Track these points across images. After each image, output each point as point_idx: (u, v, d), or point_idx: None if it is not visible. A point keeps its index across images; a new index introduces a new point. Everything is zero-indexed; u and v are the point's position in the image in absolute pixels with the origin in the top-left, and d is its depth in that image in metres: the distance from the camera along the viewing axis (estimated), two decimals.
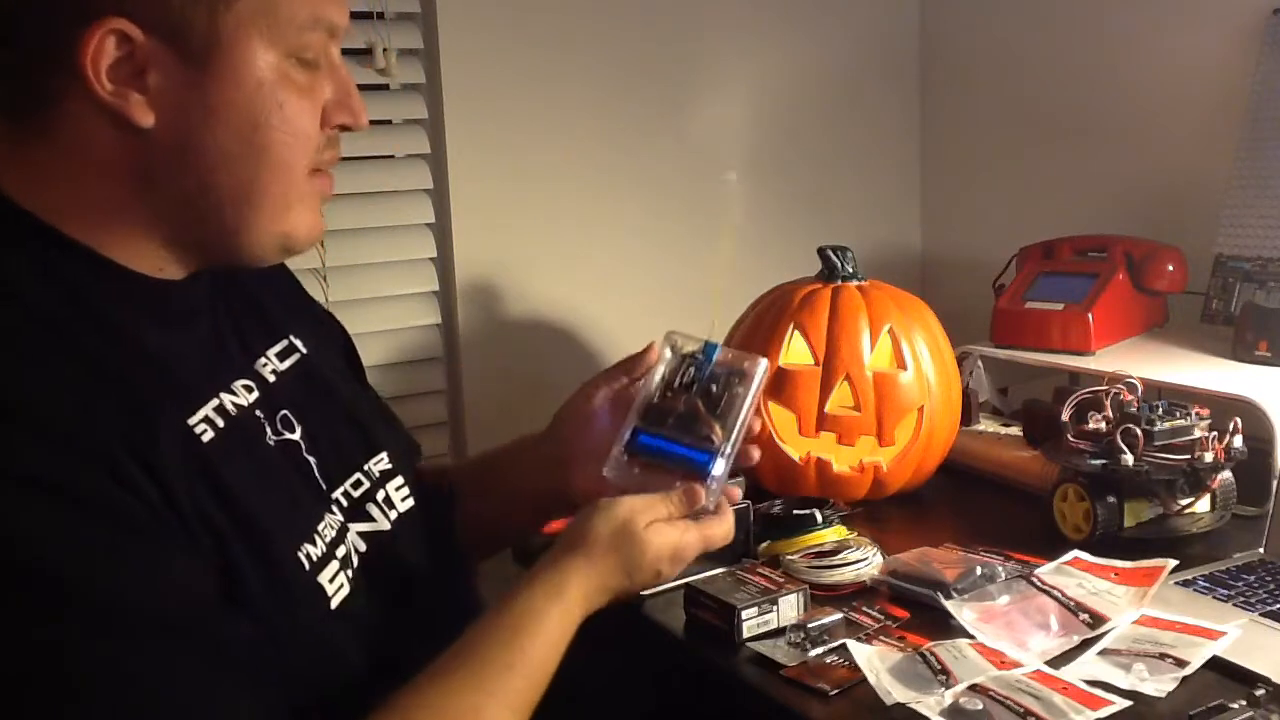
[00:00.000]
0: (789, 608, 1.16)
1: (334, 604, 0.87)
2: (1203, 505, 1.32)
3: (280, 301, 1.03)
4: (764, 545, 1.34)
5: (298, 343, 1.01)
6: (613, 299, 1.88)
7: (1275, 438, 1.34)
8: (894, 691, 1.01)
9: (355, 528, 0.96)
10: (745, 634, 1.14)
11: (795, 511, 1.36)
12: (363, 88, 1.76)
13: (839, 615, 1.15)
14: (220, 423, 0.85)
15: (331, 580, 0.88)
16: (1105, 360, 1.56)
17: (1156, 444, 1.29)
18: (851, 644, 1.10)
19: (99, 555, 0.72)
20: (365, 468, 1.01)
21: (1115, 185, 1.84)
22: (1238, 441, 1.30)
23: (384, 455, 1.03)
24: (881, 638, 1.12)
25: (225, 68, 0.81)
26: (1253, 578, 1.20)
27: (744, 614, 1.14)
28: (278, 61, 0.83)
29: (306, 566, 0.85)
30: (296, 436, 0.94)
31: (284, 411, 0.94)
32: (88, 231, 0.82)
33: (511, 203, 1.79)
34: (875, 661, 1.07)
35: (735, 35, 1.96)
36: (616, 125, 1.86)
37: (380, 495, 1.01)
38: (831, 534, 1.34)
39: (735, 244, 1.94)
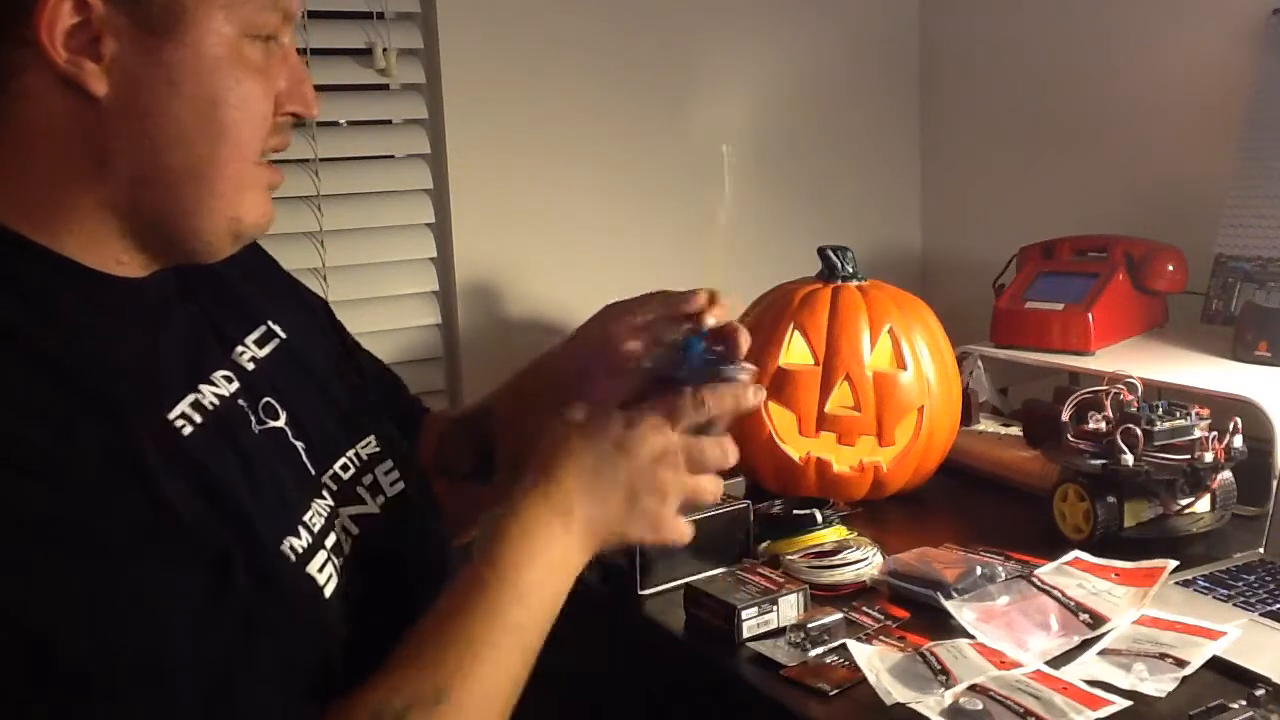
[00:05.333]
0: (789, 608, 1.16)
1: (327, 593, 0.86)
2: (1203, 505, 1.32)
3: (256, 285, 1.01)
4: (764, 545, 1.34)
5: (276, 328, 0.99)
6: (613, 298, 1.87)
7: (1275, 438, 1.34)
8: (894, 691, 1.01)
9: (346, 511, 0.95)
10: (745, 634, 1.14)
11: (795, 511, 1.36)
12: (363, 88, 1.78)
13: (839, 615, 1.15)
14: (198, 418, 0.83)
15: (320, 570, 0.86)
16: (1105, 360, 1.56)
17: (1156, 444, 1.29)
18: (851, 644, 1.10)
19: (88, 599, 0.71)
20: (352, 451, 0.99)
21: (1115, 185, 1.84)
22: (1238, 441, 1.30)
23: (370, 439, 1.02)
24: (881, 638, 1.12)
25: (185, 39, 0.80)
26: (1253, 578, 1.20)
27: (744, 614, 1.14)
28: (235, 38, 0.82)
29: (293, 558, 0.84)
30: (281, 423, 0.93)
31: (267, 399, 0.92)
32: (43, 227, 0.81)
33: (511, 203, 1.79)
34: (875, 661, 1.07)
35: (735, 35, 1.96)
36: (617, 125, 1.86)
37: (368, 479, 0.99)
38: (831, 534, 1.34)
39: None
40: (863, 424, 1.48)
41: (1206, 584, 1.19)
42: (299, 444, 0.93)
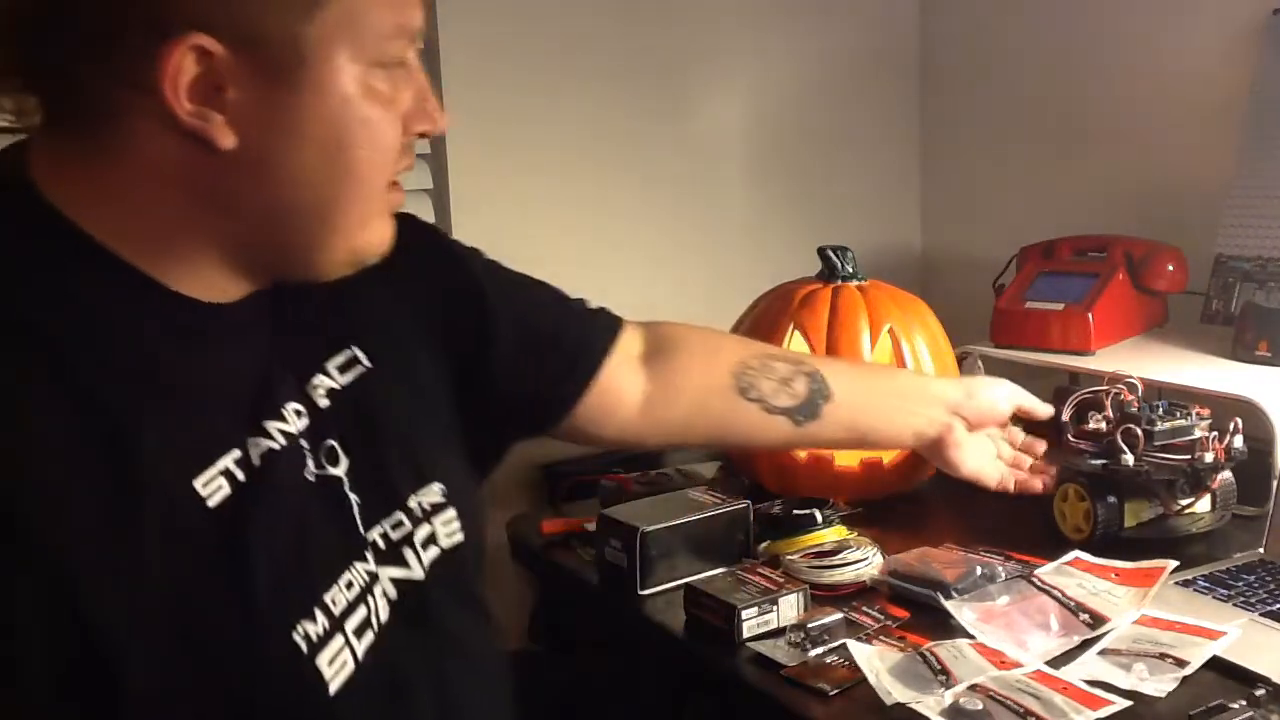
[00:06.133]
0: (789, 608, 1.16)
1: (333, 688, 0.80)
2: (1203, 505, 1.32)
3: (365, 289, 0.91)
4: (764, 545, 1.34)
5: (362, 355, 0.93)
6: (613, 298, 1.87)
7: (1275, 438, 1.34)
8: (894, 691, 1.01)
9: (387, 573, 0.89)
10: (745, 634, 1.14)
11: (795, 511, 1.36)
12: None
13: (839, 615, 1.15)
14: (241, 476, 0.78)
15: (333, 660, 0.80)
16: (1105, 360, 1.56)
17: (1157, 444, 1.28)
18: (851, 644, 1.10)
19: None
20: (410, 503, 0.92)
21: (1115, 185, 1.84)
22: (1238, 441, 1.29)
23: (435, 487, 0.94)
24: (881, 638, 1.12)
25: (310, 82, 0.76)
26: (1253, 578, 1.20)
27: (744, 614, 1.14)
28: (362, 74, 0.78)
29: (304, 649, 0.78)
30: (340, 471, 0.87)
31: (331, 442, 0.87)
32: (142, 252, 0.77)
33: (511, 202, 1.79)
34: (875, 661, 1.07)
35: (735, 35, 1.96)
36: (617, 125, 1.86)
37: (421, 534, 0.92)
38: (831, 534, 1.34)
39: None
40: None
41: (1206, 584, 1.19)
42: (353, 496, 0.88)
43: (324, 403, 0.88)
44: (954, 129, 2.12)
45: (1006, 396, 1.34)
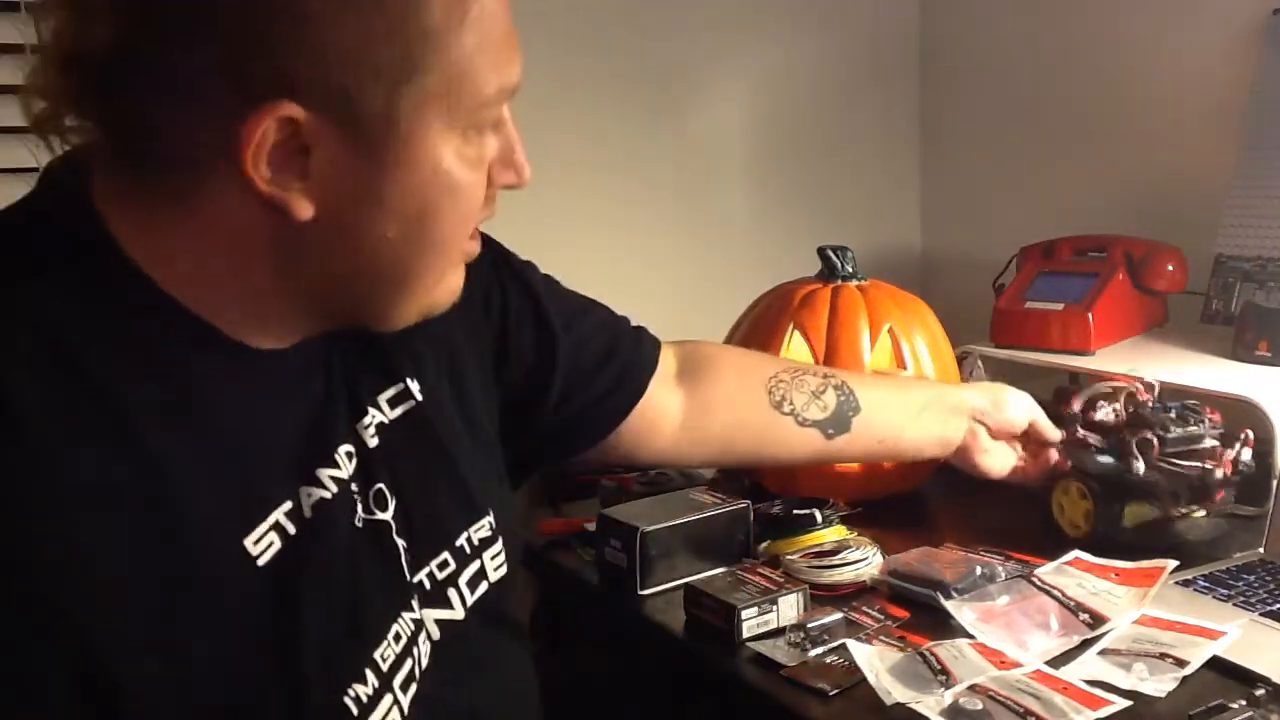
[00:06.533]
0: (789, 608, 1.16)
1: None
2: (1201, 511, 1.31)
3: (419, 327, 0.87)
4: (764, 545, 1.34)
5: (414, 386, 0.90)
6: (613, 299, 1.87)
7: (1275, 438, 1.34)
8: (894, 691, 1.01)
9: (432, 615, 0.87)
10: (745, 634, 1.14)
11: (795, 511, 1.36)
12: None
13: (839, 615, 1.15)
14: (292, 529, 0.76)
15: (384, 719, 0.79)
16: (1105, 360, 1.56)
17: (1169, 451, 1.27)
18: (851, 644, 1.10)
19: None
20: (459, 542, 0.90)
21: (1115, 185, 1.84)
22: (1246, 455, 1.28)
23: (486, 521, 0.93)
24: (881, 638, 1.12)
25: (399, 153, 0.72)
26: (1253, 578, 1.20)
27: (744, 614, 1.14)
28: (456, 140, 0.75)
29: (355, 712, 0.76)
30: (389, 515, 0.84)
31: (379, 485, 0.84)
32: (204, 300, 0.74)
33: (511, 203, 1.78)
34: (875, 661, 1.07)
35: (735, 35, 1.96)
36: (617, 125, 1.86)
37: (467, 574, 0.90)
38: (831, 534, 1.34)
39: None
40: None
41: (1206, 584, 1.19)
42: (400, 542, 0.85)
43: (373, 442, 0.85)
44: (954, 129, 2.12)
45: (1026, 411, 1.36)
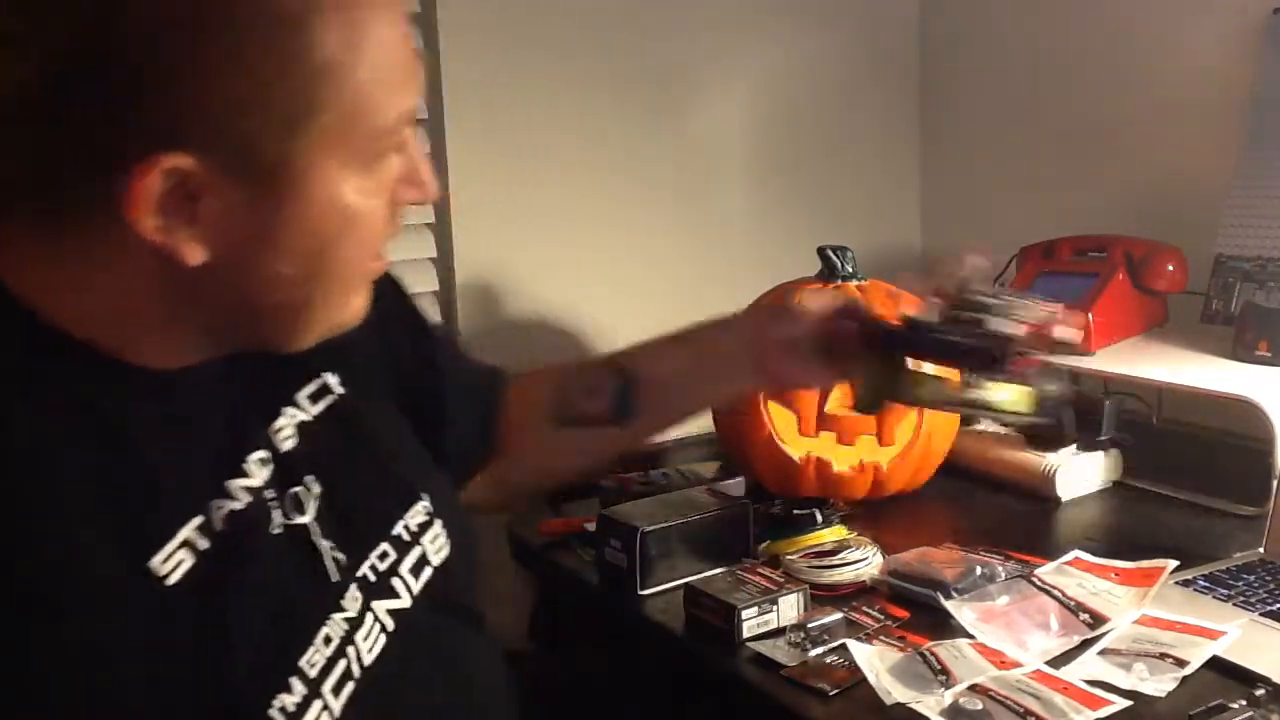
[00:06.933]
0: (789, 608, 1.16)
1: None
2: (1006, 395, 1.06)
3: None
4: (764, 545, 1.34)
5: (332, 380, 0.90)
6: (613, 299, 1.88)
7: (1275, 438, 1.34)
8: (894, 691, 1.01)
9: (383, 606, 0.86)
10: (745, 634, 1.14)
11: (795, 511, 1.36)
12: None
13: (839, 615, 1.15)
14: (204, 544, 0.74)
15: None
16: (1105, 360, 1.56)
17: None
18: (851, 644, 1.10)
19: None
20: (396, 531, 0.89)
21: (1115, 185, 1.84)
22: (1070, 336, 1.08)
23: (421, 504, 0.92)
24: (881, 638, 1.12)
25: (294, 193, 0.71)
26: (1253, 578, 1.20)
27: (744, 614, 1.14)
28: (356, 174, 0.73)
29: None
30: (308, 518, 0.83)
31: (296, 489, 0.83)
32: (102, 332, 0.74)
33: (511, 203, 1.79)
34: (875, 661, 1.07)
35: (735, 35, 1.96)
36: (616, 125, 1.86)
37: (409, 561, 0.89)
38: (831, 534, 1.34)
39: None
40: (862, 424, 1.48)
41: (1206, 584, 1.19)
42: (325, 543, 0.83)
43: (288, 444, 0.84)
44: (954, 129, 2.12)
45: (811, 306, 1.15)
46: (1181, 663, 1.02)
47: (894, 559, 1.26)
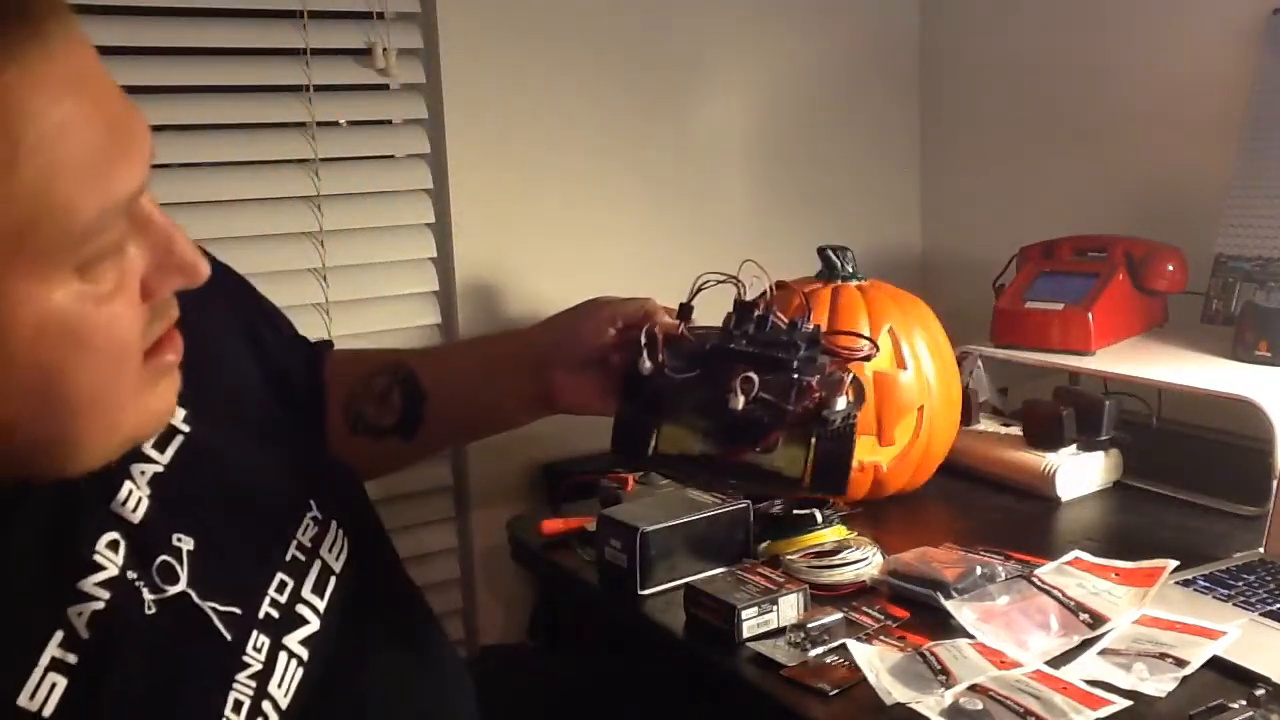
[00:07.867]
0: (789, 608, 1.16)
1: None
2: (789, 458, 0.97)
3: None
4: (764, 545, 1.34)
5: (176, 421, 0.81)
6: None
7: (1275, 438, 1.34)
8: (894, 691, 1.01)
9: (294, 639, 0.81)
10: (745, 634, 1.14)
11: (795, 511, 1.36)
12: (362, 88, 1.77)
13: (839, 615, 1.15)
14: (73, 658, 0.68)
15: None
16: (1105, 360, 1.56)
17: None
18: (851, 644, 1.10)
19: None
20: (289, 556, 0.84)
21: (1115, 185, 1.84)
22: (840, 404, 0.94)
23: (309, 515, 0.87)
24: (881, 638, 1.12)
25: None
26: (1253, 578, 1.20)
27: (744, 614, 1.14)
28: (70, 284, 0.62)
29: None
30: (183, 585, 0.76)
31: (163, 557, 0.76)
32: None
33: (512, 202, 1.79)
34: (875, 661, 1.07)
35: (735, 35, 1.96)
36: (617, 125, 1.86)
37: (310, 580, 0.84)
38: (831, 534, 1.34)
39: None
40: (862, 424, 1.47)
41: (1206, 584, 1.19)
42: (208, 605, 0.77)
43: (139, 514, 0.76)
44: (954, 129, 2.12)
45: (608, 319, 1.11)
46: (1182, 663, 1.02)
47: (894, 559, 1.26)
